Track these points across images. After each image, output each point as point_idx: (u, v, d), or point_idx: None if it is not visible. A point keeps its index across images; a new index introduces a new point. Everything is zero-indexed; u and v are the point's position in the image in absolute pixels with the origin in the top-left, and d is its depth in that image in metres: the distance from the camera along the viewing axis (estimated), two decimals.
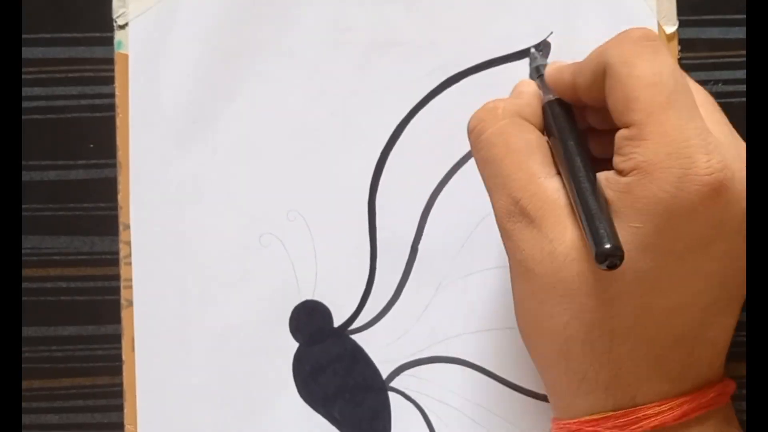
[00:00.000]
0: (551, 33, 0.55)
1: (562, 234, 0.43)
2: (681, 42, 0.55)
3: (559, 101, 0.48)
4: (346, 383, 0.55)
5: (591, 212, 0.40)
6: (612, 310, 0.42)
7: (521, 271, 0.45)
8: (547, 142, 0.47)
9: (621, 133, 0.42)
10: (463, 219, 0.55)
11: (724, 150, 0.40)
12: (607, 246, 0.38)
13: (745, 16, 0.56)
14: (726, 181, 0.40)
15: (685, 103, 0.41)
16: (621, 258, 0.38)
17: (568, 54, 0.54)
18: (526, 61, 0.55)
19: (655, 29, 0.55)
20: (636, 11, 0.55)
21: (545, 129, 0.48)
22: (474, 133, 0.47)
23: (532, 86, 0.50)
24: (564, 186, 0.44)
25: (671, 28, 0.55)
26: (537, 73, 0.51)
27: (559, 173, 0.45)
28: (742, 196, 0.41)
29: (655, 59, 0.42)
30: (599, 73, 0.44)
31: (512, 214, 0.44)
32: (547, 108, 0.48)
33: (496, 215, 0.46)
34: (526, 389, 0.55)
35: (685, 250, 0.41)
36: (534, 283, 0.44)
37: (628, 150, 0.41)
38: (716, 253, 0.41)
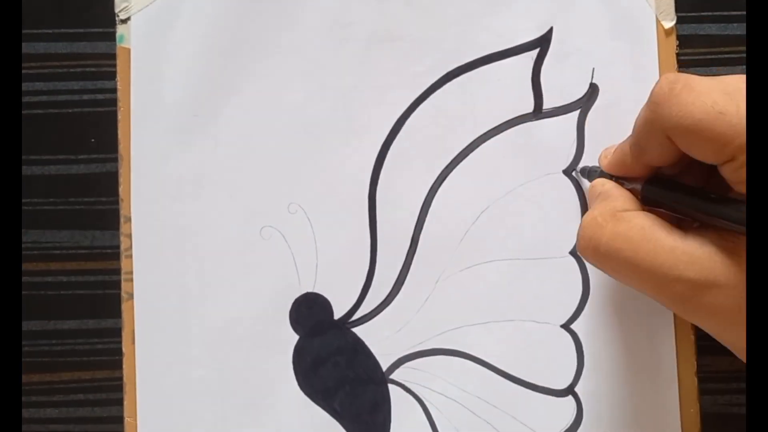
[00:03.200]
0: (551, 28, 0.55)
1: (740, 273, 0.42)
2: (679, 38, 0.56)
3: (649, 180, 0.48)
4: (347, 376, 0.56)
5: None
6: None
7: (735, 324, 0.43)
8: (653, 212, 0.47)
9: (730, 167, 0.42)
10: (463, 212, 0.55)
11: None
12: None
13: (742, 12, 0.56)
14: None
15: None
16: None
17: (569, 50, 0.55)
18: (524, 56, 0.56)
19: (654, 24, 0.55)
20: (635, 6, 0.55)
21: (649, 205, 0.48)
22: (590, 250, 0.46)
23: (608, 183, 0.50)
24: (701, 234, 0.44)
25: (669, 23, 0.55)
26: (599, 174, 0.52)
27: (683, 230, 0.45)
28: None
29: (698, 95, 0.41)
30: (664, 140, 0.44)
31: (687, 296, 0.43)
32: (646, 192, 0.48)
33: (674, 308, 0.45)
34: (525, 381, 0.55)
35: None
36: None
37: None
38: None
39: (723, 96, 0.41)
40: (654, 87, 0.44)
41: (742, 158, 0.40)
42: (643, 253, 0.44)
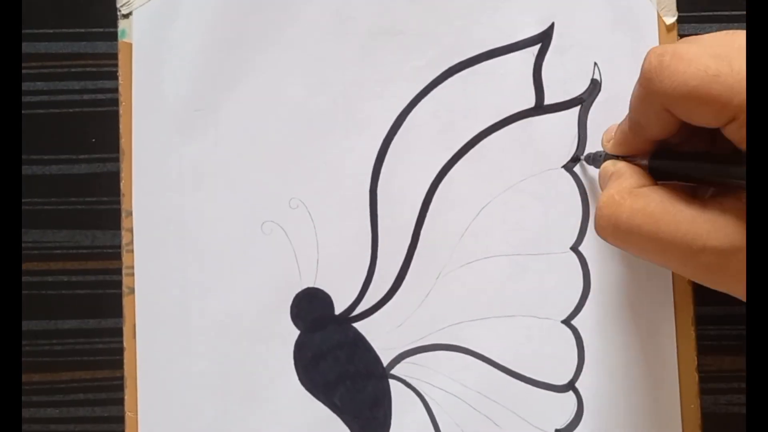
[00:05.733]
0: (552, 23, 0.56)
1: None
2: (680, 37, 0.56)
3: (654, 154, 0.48)
4: (347, 370, 0.56)
5: None
6: None
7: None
8: (668, 186, 0.47)
9: (732, 128, 0.42)
10: (464, 207, 0.55)
11: None
12: None
13: (742, 12, 0.57)
14: None
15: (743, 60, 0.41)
16: None
17: (570, 45, 0.55)
18: (526, 51, 0.56)
19: (655, 20, 0.55)
20: (636, 2, 0.55)
21: (659, 179, 0.48)
22: (609, 229, 0.46)
23: (618, 163, 0.50)
24: (719, 201, 0.44)
25: (671, 18, 0.55)
26: (604, 158, 0.52)
27: (700, 200, 0.45)
28: None
29: (689, 63, 0.41)
30: (662, 113, 0.44)
31: (713, 264, 0.43)
32: (653, 165, 0.48)
33: (701, 279, 0.45)
34: (526, 376, 0.55)
35: None
36: None
37: None
38: None
39: (714, 59, 0.41)
40: (643, 62, 0.44)
41: (744, 117, 0.40)
42: (665, 226, 0.44)
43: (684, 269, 0.45)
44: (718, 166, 0.44)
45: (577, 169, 0.55)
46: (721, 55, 0.41)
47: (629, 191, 0.46)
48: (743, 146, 0.42)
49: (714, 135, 0.45)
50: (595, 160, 0.53)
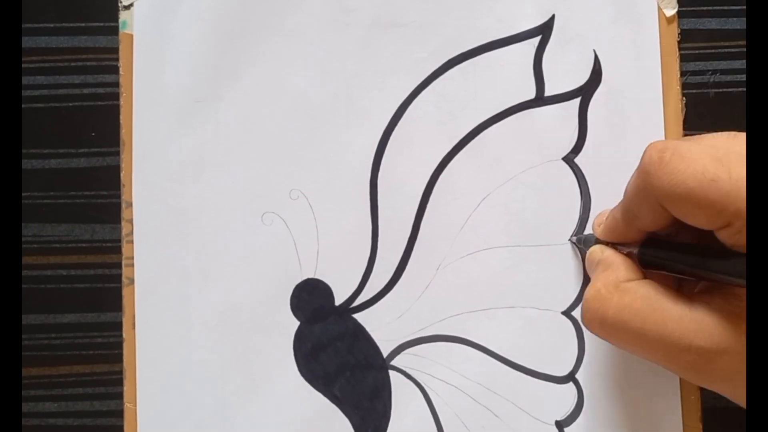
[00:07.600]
0: (553, 15, 0.56)
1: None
2: (680, 30, 0.56)
3: (644, 243, 0.48)
4: (347, 362, 0.55)
5: None
6: None
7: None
8: (655, 276, 0.47)
9: (727, 233, 0.42)
10: (464, 198, 0.55)
11: None
12: None
13: (742, 7, 0.57)
14: None
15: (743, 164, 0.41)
16: None
17: (570, 37, 0.55)
18: (526, 43, 0.56)
19: (655, 12, 0.55)
20: None
21: (648, 268, 0.48)
22: (596, 323, 0.46)
23: (606, 250, 0.50)
24: (706, 300, 0.44)
25: (671, 11, 0.55)
26: (592, 242, 0.52)
27: (687, 296, 0.45)
28: None
29: (689, 163, 0.42)
30: (656, 207, 0.44)
31: (699, 364, 0.43)
32: (643, 255, 0.48)
33: (686, 376, 0.45)
34: (526, 368, 0.55)
35: None
36: None
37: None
38: None
39: (714, 162, 0.41)
40: (643, 155, 0.44)
41: (738, 224, 0.40)
42: (651, 324, 0.44)
43: (670, 366, 0.45)
44: (709, 260, 0.44)
45: (578, 160, 0.55)
46: (721, 159, 0.41)
47: (615, 285, 0.47)
48: (735, 248, 0.42)
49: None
50: (586, 242, 0.54)
